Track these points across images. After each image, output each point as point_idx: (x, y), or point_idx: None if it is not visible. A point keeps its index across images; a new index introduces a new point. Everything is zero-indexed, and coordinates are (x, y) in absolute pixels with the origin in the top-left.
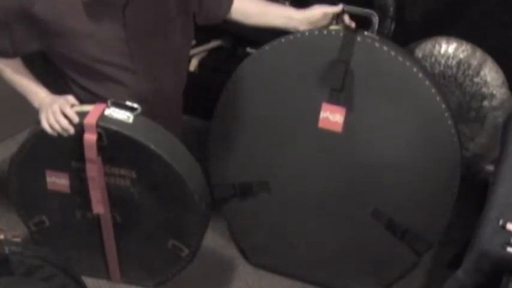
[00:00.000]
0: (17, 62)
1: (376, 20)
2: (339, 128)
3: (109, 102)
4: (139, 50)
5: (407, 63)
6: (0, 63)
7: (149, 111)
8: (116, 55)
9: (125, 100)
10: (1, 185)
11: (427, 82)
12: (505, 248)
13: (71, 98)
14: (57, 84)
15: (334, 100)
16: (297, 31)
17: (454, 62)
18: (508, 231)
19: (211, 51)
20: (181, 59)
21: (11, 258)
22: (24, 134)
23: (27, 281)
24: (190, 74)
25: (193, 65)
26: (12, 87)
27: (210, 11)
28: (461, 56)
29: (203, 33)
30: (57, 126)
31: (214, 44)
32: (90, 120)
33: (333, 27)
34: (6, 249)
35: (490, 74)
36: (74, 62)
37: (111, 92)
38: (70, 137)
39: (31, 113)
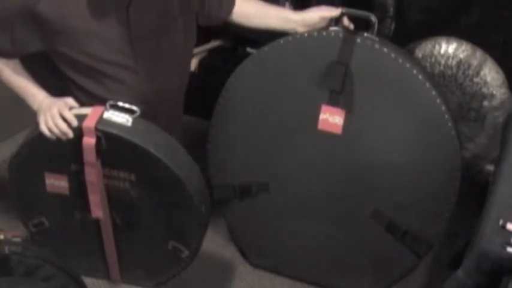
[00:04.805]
0: (16, 63)
1: (375, 21)
2: (338, 130)
3: (107, 104)
4: (143, 50)
5: (408, 65)
6: None
7: (150, 111)
8: (119, 54)
9: (126, 101)
10: (1, 186)
11: (427, 84)
12: (505, 248)
13: (69, 101)
14: (57, 86)
15: (333, 102)
16: (296, 33)
17: (454, 62)
18: (508, 231)
19: (211, 51)
20: (184, 59)
21: (11, 258)
22: (24, 134)
23: (27, 281)
24: (190, 74)
25: (193, 65)
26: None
27: (212, 11)
28: (461, 56)
29: (203, 33)
30: (56, 130)
31: (214, 44)
32: (89, 123)
33: (332, 28)
34: (6, 249)
35: (490, 74)
36: (76, 61)
37: (112, 92)
38: (69, 140)
39: (31, 112)
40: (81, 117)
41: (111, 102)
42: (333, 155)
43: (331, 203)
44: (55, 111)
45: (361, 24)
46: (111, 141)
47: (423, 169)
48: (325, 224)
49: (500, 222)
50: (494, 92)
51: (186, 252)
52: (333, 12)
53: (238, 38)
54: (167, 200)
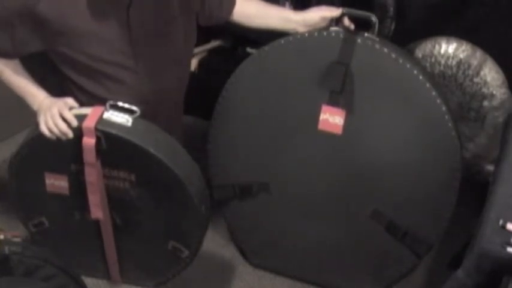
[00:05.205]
0: (16, 64)
1: (376, 21)
2: (339, 130)
3: (107, 105)
4: (143, 50)
5: (408, 66)
6: None
7: (150, 112)
8: (119, 55)
9: (126, 101)
10: (1, 186)
11: (428, 84)
12: (505, 248)
13: (69, 101)
14: (57, 86)
15: (334, 102)
16: (296, 33)
17: (454, 62)
18: (508, 231)
19: (211, 51)
20: (184, 59)
21: (11, 258)
22: (24, 134)
23: (27, 281)
24: (190, 74)
25: (193, 65)
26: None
27: (213, 11)
28: (461, 56)
29: (203, 33)
30: (55, 130)
31: (214, 44)
32: (89, 123)
33: (333, 28)
34: (6, 249)
35: (490, 74)
36: (76, 62)
37: (112, 92)
38: (69, 140)
39: (31, 112)
40: (81, 117)
41: (111, 102)
42: (333, 155)
43: (331, 203)
44: (55, 111)
45: (362, 25)
46: (111, 141)
47: (423, 169)
48: (325, 224)
49: (500, 222)
50: (494, 92)
51: (186, 252)
52: (334, 12)
53: (238, 38)
54: (167, 200)
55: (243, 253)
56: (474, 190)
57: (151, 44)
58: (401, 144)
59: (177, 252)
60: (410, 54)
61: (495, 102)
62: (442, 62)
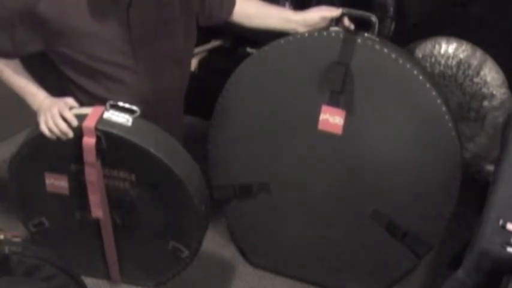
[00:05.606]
0: (16, 63)
1: (376, 22)
2: (339, 130)
3: (108, 104)
4: (143, 50)
5: (408, 66)
6: None
7: (150, 111)
8: (119, 55)
9: (126, 101)
10: (1, 185)
11: (428, 85)
12: (505, 248)
13: (70, 101)
14: (57, 86)
15: (334, 102)
16: (296, 33)
17: (454, 62)
18: (508, 231)
19: (211, 51)
20: (184, 59)
21: (11, 258)
22: (24, 134)
23: (27, 281)
24: (190, 74)
25: (193, 65)
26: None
27: (213, 11)
28: (461, 56)
29: (203, 33)
30: (56, 130)
31: (214, 44)
32: (89, 123)
33: (333, 29)
34: (6, 249)
35: (490, 74)
36: (76, 62)
37: (112, 92)
38: (69, 140)
39: (31, 112)
40: (81, 117)
41: (111, 102)
42: (333, 155)
43: (331, 203)
44: (55, 111)
45: (362, 25)
46: (111, 141)
47: (423, 169)
48: (325, 224)
49: (500, 222)
50: (494, 92)
51: (186, 252)
52: (334, 12)
53: (238, 38)
54: (167, 200)
55: (243, 253)
56: (474, 190)
57: (151, 44)
58: (401, 144)
59: (177, 252)
60: (410, 54)
61: (495, 102)
62: (442, 62)
